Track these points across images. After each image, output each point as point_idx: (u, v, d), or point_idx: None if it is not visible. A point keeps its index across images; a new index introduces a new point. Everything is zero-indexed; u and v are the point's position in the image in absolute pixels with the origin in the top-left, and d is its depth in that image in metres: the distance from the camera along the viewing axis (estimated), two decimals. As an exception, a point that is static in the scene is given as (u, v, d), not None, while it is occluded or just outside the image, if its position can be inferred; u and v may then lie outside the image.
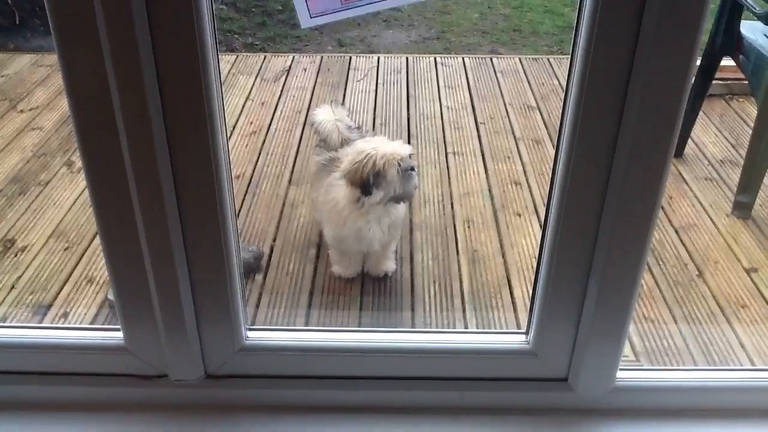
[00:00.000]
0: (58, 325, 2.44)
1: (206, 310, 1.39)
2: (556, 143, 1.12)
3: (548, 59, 4.68)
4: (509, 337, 1.73)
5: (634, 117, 1.01)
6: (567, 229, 1.23)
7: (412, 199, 2.44)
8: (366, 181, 2.33)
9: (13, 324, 2.38)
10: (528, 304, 1.64)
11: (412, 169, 2.36)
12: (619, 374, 1.32)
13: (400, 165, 2.33)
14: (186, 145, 1.08)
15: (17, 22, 5.04)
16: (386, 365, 1.46)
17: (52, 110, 3.75)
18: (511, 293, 2.60)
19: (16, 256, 2.69)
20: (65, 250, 2.72)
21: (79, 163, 3.29)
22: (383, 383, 1.41)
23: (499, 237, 2.89)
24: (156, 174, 1.09)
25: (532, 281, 1.32)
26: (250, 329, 1.62)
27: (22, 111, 3.75)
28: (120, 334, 1.48)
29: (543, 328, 1.36)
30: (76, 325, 2.51)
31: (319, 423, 1.36)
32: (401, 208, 2.52)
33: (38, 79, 4.09)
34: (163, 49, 0.97)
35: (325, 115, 2.66)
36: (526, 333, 1.54)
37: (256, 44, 5.02)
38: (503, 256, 2.79)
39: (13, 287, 2.54)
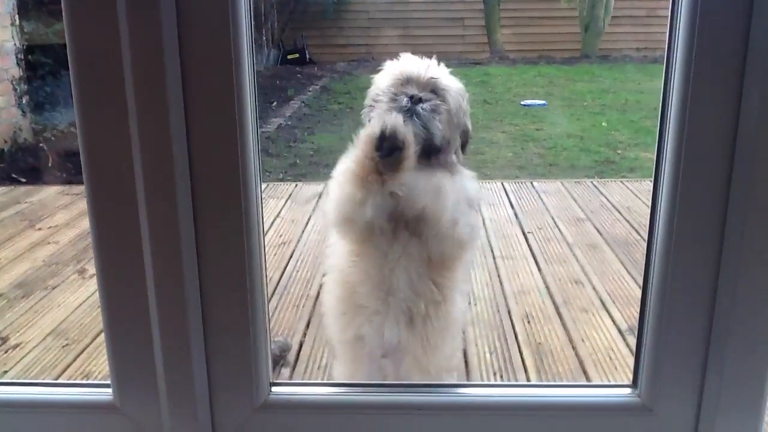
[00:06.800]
0: (26, 381, 2.04)
1: (221, 354, 1.09)
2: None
3: (591, 182, 4.46)
4: (613, 390, 1.33)
5: None
6: (684, 234, 1.00)
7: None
8: None
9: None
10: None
11: None
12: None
13: None
14: None
15: (50, 165, 5.06)
16: (446, 428, 1.14)
17: (71, 228, 3.55)
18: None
19: (6, 352, 2.32)
20: (63, 347, 2.35)
21: (91, 270, 3.01)
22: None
23: (566, 331, 2.48)
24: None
25: (608, 373, 0.99)
26: (275, 384, 1.27)
27: (40, 229, 3.55)
28: (109, 390, 1.16)
29: (658, 376, 1.08)
30: (51, 381, 2.10)
31: None
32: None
33: (61, 205, 3.94)
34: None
35: None
36: (634, 385, 1.21)
37: (288, 179, 4.91)
38: (574, 349, 2.35)
39: (-5, 382, 2.14)
